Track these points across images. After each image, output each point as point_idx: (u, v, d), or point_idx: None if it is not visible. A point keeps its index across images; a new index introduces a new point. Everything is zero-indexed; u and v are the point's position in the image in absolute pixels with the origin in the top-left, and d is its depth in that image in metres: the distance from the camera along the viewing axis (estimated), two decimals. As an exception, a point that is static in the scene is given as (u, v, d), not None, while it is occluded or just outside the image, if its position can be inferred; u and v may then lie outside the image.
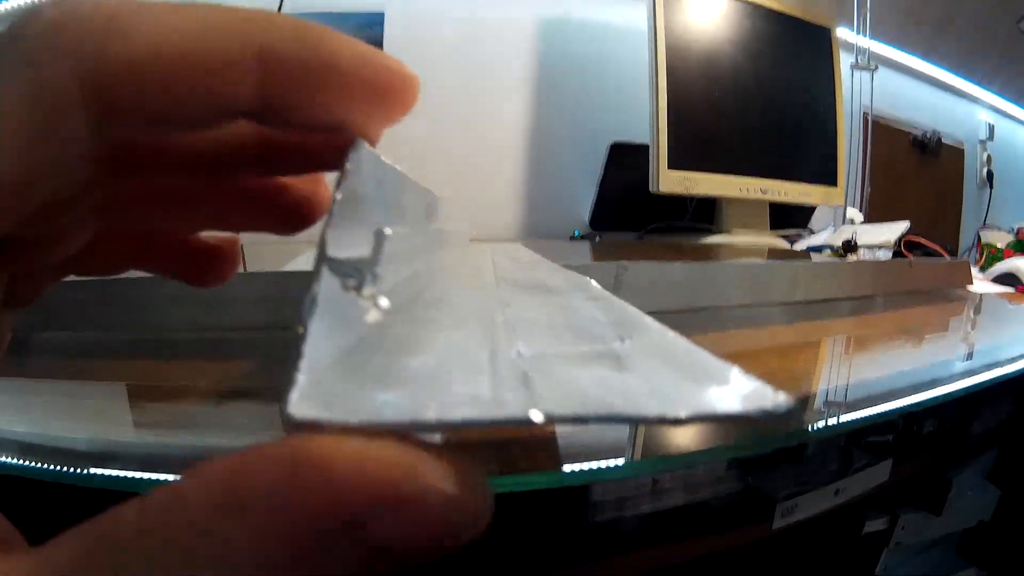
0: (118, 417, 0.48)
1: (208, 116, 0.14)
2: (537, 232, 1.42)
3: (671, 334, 0.16)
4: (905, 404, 0.52)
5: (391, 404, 0.11)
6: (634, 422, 0.11)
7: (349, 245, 0.15)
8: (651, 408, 0.11)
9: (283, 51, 0.14)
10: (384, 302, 0.15)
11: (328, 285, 0.13)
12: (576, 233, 1.36)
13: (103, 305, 0.65)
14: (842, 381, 0.65)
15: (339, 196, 0.15)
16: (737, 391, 0.12)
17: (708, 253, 1.04)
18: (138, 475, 0.38)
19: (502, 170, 1.44)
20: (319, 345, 0.12)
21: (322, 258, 0.14)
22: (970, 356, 0.74)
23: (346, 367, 0.12)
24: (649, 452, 0.44)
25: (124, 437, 0.46)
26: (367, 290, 0.15)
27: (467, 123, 1.40)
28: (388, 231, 0.16)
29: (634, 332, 0.16)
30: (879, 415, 0.51)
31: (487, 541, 0.41)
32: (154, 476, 0.39)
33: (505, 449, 0.40)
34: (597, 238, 1.32)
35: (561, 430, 0.44)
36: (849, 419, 0.50)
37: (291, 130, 0.16)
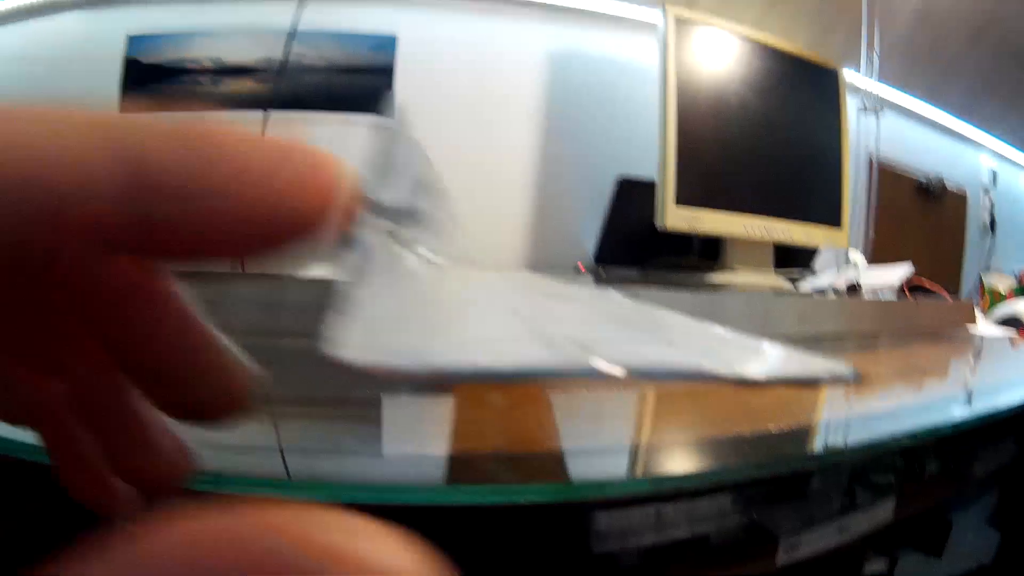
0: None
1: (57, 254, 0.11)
2: (541, 265, 1.42)
3: (710, 324, 0.16)
4: (908, 430, 0.53)
5: (444, 354, 0.11)
6: (707, 379, 0.11)
7: (395, 194, 0.15)
8: (720, 369, 0.11)
9: (160, 166, 0.11)
10: (433, 257, 0.15)
11: (376, 234, 0.13)
12: (581, 266, 1.36)
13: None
14: (846, 412, 0.65)
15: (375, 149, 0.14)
16: (799, 360, 0.12)
17: (712, 290, 1.04)
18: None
19: (508, 201, 1.44)
20: (370, 296, 0.12)
21: (369, 205, 0.13)
22: (971, 395, 0.74)
23: (397, 321, 0.12)
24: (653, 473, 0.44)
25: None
26: (414, 242, 0.14)
27: (475, 151, 1.40)
28: (427, 190, 0.16)
29: (673, 324, 0.16)
30: (883, 442, 0.52)
31: (489, 568, 0.40)
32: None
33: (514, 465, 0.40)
34: (601, 271, 1.33)
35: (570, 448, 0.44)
36: (854, 444, 0.51)
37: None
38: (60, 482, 0.16)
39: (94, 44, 1.25)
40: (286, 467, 0.41)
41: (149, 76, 1.25)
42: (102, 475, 0.16)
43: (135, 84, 1.24)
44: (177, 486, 0.16)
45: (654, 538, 0.59)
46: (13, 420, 0.15)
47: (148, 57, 1.26)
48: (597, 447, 0.49)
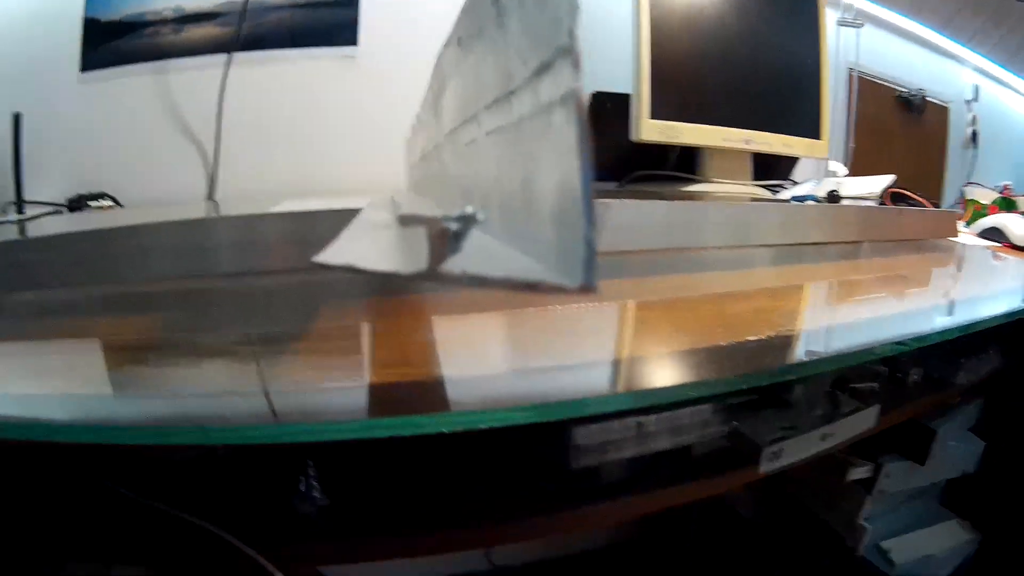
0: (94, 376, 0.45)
1: None
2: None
3: None
4: (889, 339, 0.51)
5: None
6: None
7: None
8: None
9: None
10: None
11: None
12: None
13: (74, 263, 0.63)
14: (826, 322, 0.63)
15: None
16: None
17: (690, 199, 1.02)
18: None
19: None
20: None
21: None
22: (953, 305, 0.73)
23: None
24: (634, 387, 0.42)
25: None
26: None
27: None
28: None
29: None
30: (859, 353, 0.51)
31: (464, 485, 0.39)
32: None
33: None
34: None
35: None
36: (830, 356, 0.49)
37: None
38: None
39: (52, 6, 1.20)
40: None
41: (109, 34, 1.20)
42: None
43: (95, 43, 1.19)
44: None
45: (635, 450, 0.58)
46: None
47: (107, 15, 1.20)
48: (576, 363, 0.47)
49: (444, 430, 0.33)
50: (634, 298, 0.66)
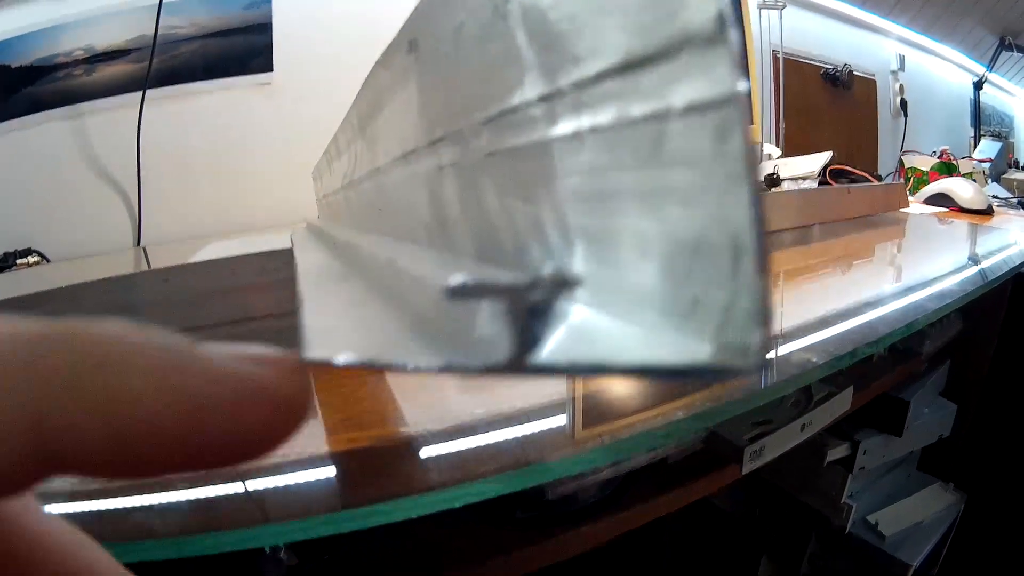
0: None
1: None
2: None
3: None
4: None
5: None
6: None
7: None
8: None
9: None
10: None
11: None
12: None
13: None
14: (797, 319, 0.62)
15: None
16: None
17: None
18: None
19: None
20: None
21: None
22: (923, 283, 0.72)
23: None
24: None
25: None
26: None
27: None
28: None
29: None
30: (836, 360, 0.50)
31: (439, 528, 0.36)
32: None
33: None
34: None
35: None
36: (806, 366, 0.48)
37: None
38: None
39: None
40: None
41: (21, 80, 1.15)
42: None
43: (8, 91, 1.14)
44: None
45: (611, 472, 0.56)
46: None
47: (18, 60, 1.15)
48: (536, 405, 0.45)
49: (413, 515, 0.31)
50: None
